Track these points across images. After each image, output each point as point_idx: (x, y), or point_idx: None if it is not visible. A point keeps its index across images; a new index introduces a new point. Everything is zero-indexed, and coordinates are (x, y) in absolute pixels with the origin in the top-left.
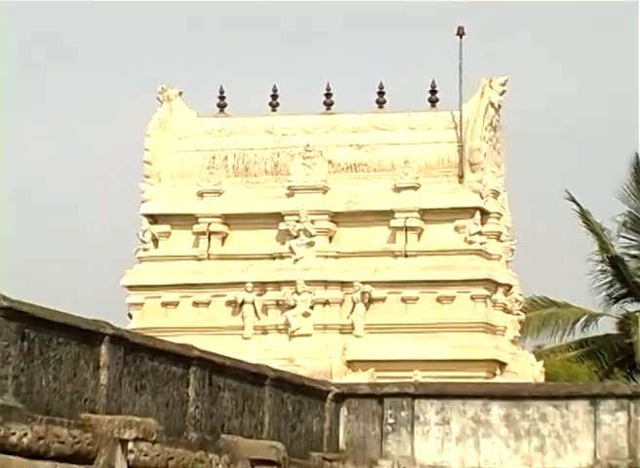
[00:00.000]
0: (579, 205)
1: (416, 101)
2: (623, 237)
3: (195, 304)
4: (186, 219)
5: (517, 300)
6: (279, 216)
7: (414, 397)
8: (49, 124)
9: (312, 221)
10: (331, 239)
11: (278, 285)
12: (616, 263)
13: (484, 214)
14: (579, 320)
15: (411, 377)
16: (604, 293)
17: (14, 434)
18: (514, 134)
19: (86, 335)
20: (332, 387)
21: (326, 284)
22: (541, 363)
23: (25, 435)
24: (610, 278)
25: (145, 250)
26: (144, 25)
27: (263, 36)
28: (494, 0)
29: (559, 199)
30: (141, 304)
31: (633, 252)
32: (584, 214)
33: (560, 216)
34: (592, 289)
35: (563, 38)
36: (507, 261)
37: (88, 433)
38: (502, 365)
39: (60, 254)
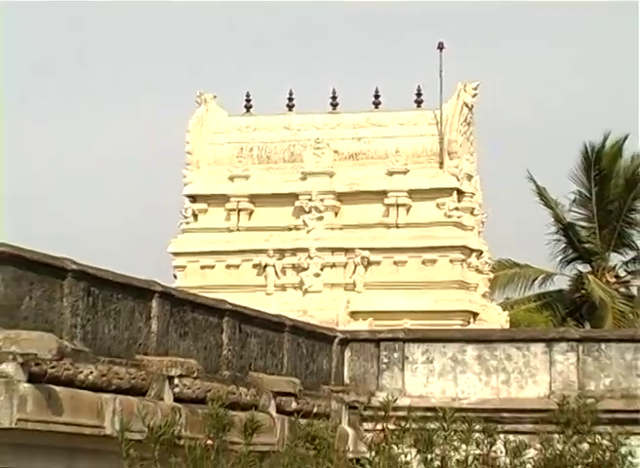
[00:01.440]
0: (536, 184)
1: (404, 103)
2: (573, 211)
3: (227, 267)
4: (220, 199)
5: (487, 263)
6: (294, 196)
7: (404, 341)
8: (110, 122)
9: (321, 200)
10: (336, 214)
11: (294, 251)
12: (567, 232)
13: (460, 193)
14: (537, 278)
15: (401, 325)
16: (559, 257)
17: (82, 372)
18: (486, 127)
19: (139, 292)
20: (338, 333)
21: (332, 250)
22: (507, 313)
23: (91, 373)
24: (563, 244)
25: (187, 223)
26: (181, 34)
27: (281, 45)
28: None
29: (522, 180)
30: (184, 267)
31: (582, 223)
32: (541, 192)
33: (522, 194)
34: (549, 253)
35: (563, 38)
36: (479, 231)
37: (141, 371)
38: (475, 314)
39: (119, 229)
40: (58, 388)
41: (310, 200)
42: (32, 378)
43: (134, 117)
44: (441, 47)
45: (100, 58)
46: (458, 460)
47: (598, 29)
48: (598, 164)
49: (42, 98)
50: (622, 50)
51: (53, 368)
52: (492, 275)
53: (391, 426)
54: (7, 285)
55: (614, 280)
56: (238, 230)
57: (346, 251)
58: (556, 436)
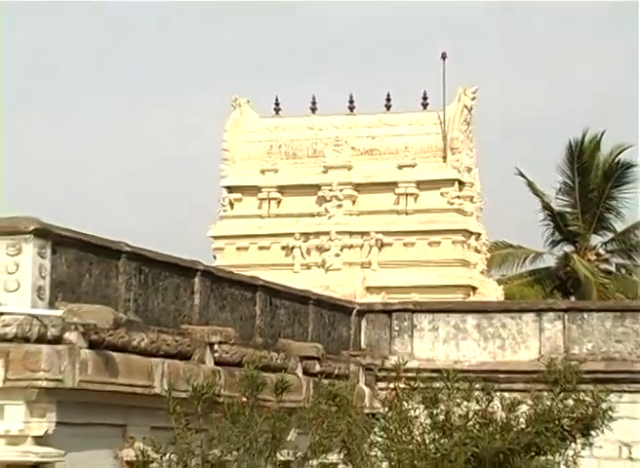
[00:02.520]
0: (525, 177)
1: (412, 105)
2: (559, 199)
3: (259, 248)
4: (253, 190)
5: (484, 244)
6: (317, 187)
7: (412, 312)
8: (151, 122)
9: (340, 190)
10: (353, 202)
11: (317, 234)
12: (554, 217)
13: (461, 183)
14: (528, 257)
15: (410, 298)
16: (547, 238)
17: (134, 340)
18: (485, 125)
19: (184, 270)
20: (355, 305)
21: (350, 234)
22: (502, 287)
23: (143, 340)
24: (551, 228)
25: (224, 211)
26: (214, 41)
27: (304, 54)
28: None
29: (515, 172)
30: (222, 249)
31: (566, 209)
32: (530, 184)
33: (515, 184)
34: (539, 235)
35: (562, 37)
36: (478, 217)
37: (186, 338)
38: (474, 289)
39: (166, 216)
40: (114, 354)
41: (331, 190)
42: (92, 345)
43: (174, 116)
44: (444, 56)
45: (136, 61)
46: (460, 415)
47: (598, 29)
48: (580, 157)
49: (86, 101)
50: (622, 50)
51: (110, 336)
52: (489, 255)
53: (402, 385)
54: (70, 265)
55: (595, 258)
56: (268, 217)
57: (362, 234)
58: (545, 394)
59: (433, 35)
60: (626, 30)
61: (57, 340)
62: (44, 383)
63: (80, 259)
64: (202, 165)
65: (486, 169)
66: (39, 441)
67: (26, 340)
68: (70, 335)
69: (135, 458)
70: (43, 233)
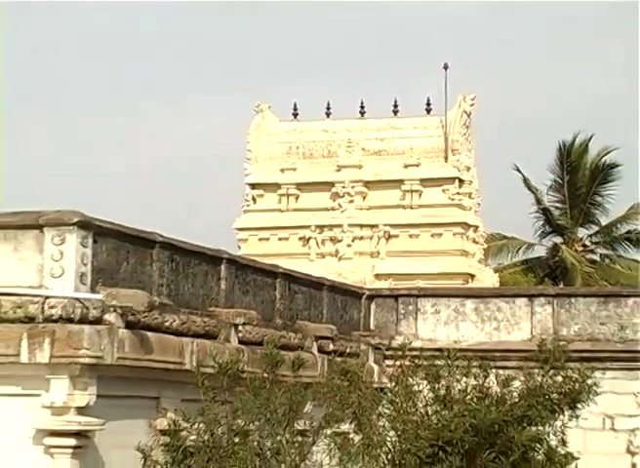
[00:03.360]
0: (522, 174)
1: (417, 110)
2: (550, 195)
3: (279, 239)
4: (273, 186)
5: (482, 236)
6: (331, 184)
7: (417, 296)
8: (179, 123)
9: (352, 187)
10: (364, 198)
11: (331, 227)
12: (545, 212)
13: (461, 181)
14: (521, 247)
15: (415, 284)
16: (538, 231)
17: (167, 321)
18: (485, 127)
19: (211, 259)
20: (365, 291)
21: (361, 226)
22: (497, 275)
23: (174, 321)
24: (542, 221)
25: (248, 206)
26: (240, 54)
27: (320, 61)
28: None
29: (509, 170)
30: (246, 239)
31: (556, 204)
32: (525, 180)
33: (509, 182)
34: (531, 227)
35: (562, 38)
36: (476, 211)
37: (213, 319)
38: (472, 276)
39: (196, 211)
40: (148, 333)
41: (343, 187)
42: (129, 325)
43: (202, 118)
44: (446, 67)
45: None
46: (459, 390)
47: (598, 29)
48: (569, 158)
49: (102, 101)
50: (622, 50)
51: (144, 317)
52: (485, 245)
53: (407, 363)
54: (109, 253)
55: (581, 249)
56: (287, 211)
57: (372, 226)
58: (536, 370)
59: (437, 41)
60: (626, 30)
61: (97, 321)
62: (86, 360)
63: (118, 248)
64: (233, 164)
65: (483, 167)
66: (81, 411)
67: (70, 321)
68: (109, 317)
69: (167, 427)
70: (85, 225)
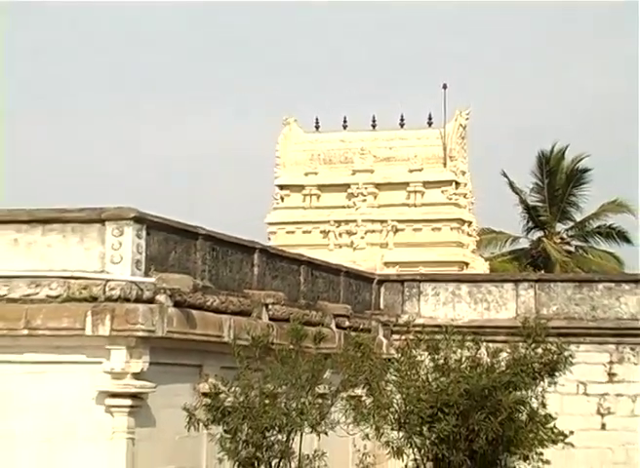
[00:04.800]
0: (508, 178)
1: (420, 124)
2: (532, 195)
3: (303, 232)
4: (299, 187)
5: (474, 230)
6: (347, 186)
7: (419, 281)
8: (213, 131)
9: (365, 188)
10: (375, 197)
11: (347, 222)
12: (528, 210)
13: (457, 183)
14: (508, 240)
15: (418, 271)
16: (523, 226)
17: (208, 301)
18: (476, 137)
19: (246, 248)
20: (376, 276)
21: (372, 221)
22: (488, 263)
23: (215, 301)
24: (526, 218)
25: (277, 204)
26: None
27: (337, 79)
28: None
29: (497, 175)
30: (275, 232)
31: (538, 203)
32: (511, 183)
33: (498, 184)
34: (516, 223)
35: (562, 38)
36: (470, 209)
37: (247, 300)
38: (466, 264)
39: (233, 208)
40: (193, 311)
41: (358, 188)
42: (176, 305)
43: (237, 127)
44: (445, 87)
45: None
46: (455, 360)
47: (598, 29)
48: (548, 164)
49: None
50: (622, 50)
51: (190, 298)
52: (478, 238)
53: (411, 337)
54: (160, 244)
55: (559, 241)
56: (310, 208)
57: (381, 222)
58: (520, 344)
59: (438, 63)
60: (627, 30)
61: (150, 301)
62: (140, 333)
63: (167, 239)
64: (264, 168)
65: (477, 172)
66: (136, 376)
67: (127, 300)
68: (160, 297)
69: (208, 390)
70: (140, 219)
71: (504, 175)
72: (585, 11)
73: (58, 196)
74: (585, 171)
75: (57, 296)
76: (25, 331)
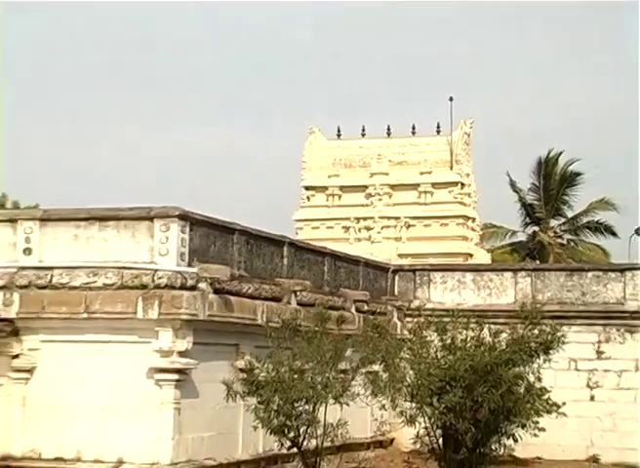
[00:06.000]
0: (510, 178)
1: (430, 132)
2: (530, 194)
3: (327, 228)
4: (322, 188)
5: (478, 225)
6: (365, 187)
7: (429, 270)
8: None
9: (381, 189)
10: (390, 197)
11: (365, 219)
12: (526, 207)
13: (462, 184)
14: (508, 234)
15: (427, 261)
16: (521, 221)
17: (244, 288)
18: (482, 142)
19: (276, 242)
20: (391, 266)
21: (388, 218)
22: (490, 255)
23: (249, 288)
24: (524, 214)
25: (303, 203)
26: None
27: (356, 90)
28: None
29: (499, 175)
30: (302, 228)
31: (535, 202)
32: (512, 183)
33: (499, 184)
34: (515, 219)
35: (562, 38)
36: (473, 207)
37: (278, 287)
38: (471, 255)
39: (264, 207)
40: (230, 297)
41: (375, 189)
42: (216, 291)
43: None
44: (451, 99)
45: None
46: (461, 340)
47: (598, 29)
48: (544, 168)
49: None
50: (622, 51)
51: (227, 285)
52: (481, 232)
53: (422, 320)
54: (201, 238)
55: (553, 235)
56: (332, 207)
57: (396, 218)
58: (519, 325)
59: (446, 76)
60: (626, 30)
61: (193, 288)
62: (184, 316)
63: (208, 234)
64: (293, 171)
65: (480, 174)
66: (181, 354)
67: (173, 288)
68: (202, 285)
69: (244, 366)
70: (184, 217)
71: (508, 176)
72: (586, 11)
73: (269, 179)
74: (577, 174)
75: (112, 284)
76: (85, 315)
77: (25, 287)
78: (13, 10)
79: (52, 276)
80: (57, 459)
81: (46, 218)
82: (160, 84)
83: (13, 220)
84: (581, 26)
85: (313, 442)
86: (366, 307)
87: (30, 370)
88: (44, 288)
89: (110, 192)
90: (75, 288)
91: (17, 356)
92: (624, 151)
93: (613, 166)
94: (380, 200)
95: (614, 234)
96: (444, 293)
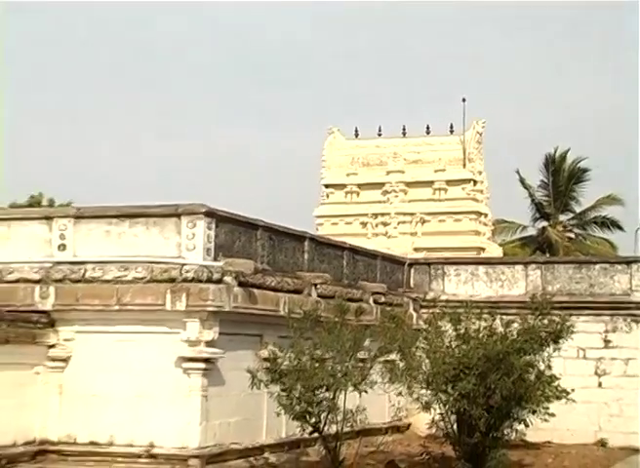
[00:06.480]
0: (520, 176)
1: (444, 132)
2: (539, 190)
3: (346, 223)
4: (341, 186)
5: (490, 220)
6: (382, 184)
7: (443, 264)
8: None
9: (397, 186)
10: (405, 194)
11: (382, 214)
12: (535, 203)
13: (475, 182)
14: (518, 228)
15: (442, 255)
16: (531, 216)
17: (267, 281)
18: (492, 141)
19: (298, 237)
20: (407, 259)
21: (404, 214)
22: (501, 248)
23: (272, 281)
24: (534, 210)
25: (323, 200)
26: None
27: (373, 94)
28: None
29: (509, 173)
30: (322, 224)
31: (544, 197)
32: (522, 180)
33: (510, 181)
34: (525, 214)
35: (563, 38)
36: (486, 203)
37: (299, 280)
38: (483, 249)
39: (286, 204)
40: (254, 290)
41: (391, 186)
42: (240, 284)
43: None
44: (464, 100)
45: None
46: (474, 329)
47: (598, 30)
48: (553, 165)
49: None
50: (622, 52)
51: (251, 279)
52: (492, 227)
53: (437, 311)
54: (226, 234)
55: (561, 229)
56: (351, 203)
57: (411, 214)
58: (529, 316)
59: (457, 78)
60: (626, 30)
61: (218, 281)
62: (211, 308)
63: (233, 230)
64: (314, 170)
65: (491, 171)
66: (208, 344)
67: (200, 281)
68: (227, 278)
69: (268, 356)
70: (210, 214)
71: (518, 174)
72: (586, 11)
73: (290, 177)
74: (584, 171)
75: (142, 278)
76: (117, 307)
77: (60, 280)
78: (13, 10)
79: (85, 270)
80: (91, 444)
81: (79, 216)
82: (160, 84)
83: (48, 218)
84: (581, 26)
85: (334, 427)
86: (383, 299)
87: (66, 360)
88: (78, 281)
89: (110, 192)
90: (107, 281)
91: (53, 346)
92: (624, 151)
93: (613, 166)
94: (397, 197)
95: (620, 228)
96: (458, 286)
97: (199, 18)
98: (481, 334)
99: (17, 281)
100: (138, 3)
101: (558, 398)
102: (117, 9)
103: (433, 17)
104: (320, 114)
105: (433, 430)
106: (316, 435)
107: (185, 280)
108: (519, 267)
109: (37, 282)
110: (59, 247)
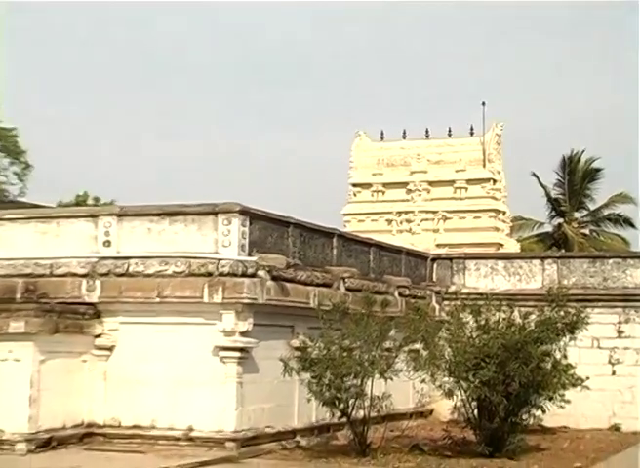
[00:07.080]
0: (537, 177)
1: (464, 134)
2: (555, 189)
3: (372, 220)
4: (368, 185)
5: (508, 217)
6: (406, 184)
7: (464, 259)
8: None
9: (420, 185)
10: (428, 192)
11: (406, 212)
12: (552, 201)
13: (494, 181)
14: (535, 225)
15: (463, 250)
16: (547, 213)
17: (298, 275)
18: (510, 142)
19: (327, 234)
20: (430, 255)
21: (427, 212)
22: (519, 244)
23: (303, 275)
24: (550, 208)
25: (351, 198)
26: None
27: (400, 99)
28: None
29: (526, 173)
30: (349, 221)
31: (560, 196)
32: (539, 180)
33: (527, 181)
34: (542, 212)
35: (562, 39)
36: (504, 201)
37: (328, 274)
38: (501, 245)
39: (316, 203)
40: (286, 283)
41: (414, 186)
42: (273, 278)
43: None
44: (483, 104)
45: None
46: (494, 321)
47: (598, 30)
48: (568, 165)
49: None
50: (622, 52)
51: (284, 273)
52: (511, 224)
53: (458, 303)
54: (259, 231)
55: (576, 226)
56: (377, 202)
57: (434, 212)
58: (546, 308)
59: (474, 81)
60: (626, 30)
61: (252, 275)
62: (246, 301)
63: (266, 227)
64: (342, 171)
65: (510, 171)
66: (243, 334)
67: (235, 275)
68: (261, 273)
69: (299, 345)
70: (244, 212)
71: (534, 175)
72: (586, 11)
73: (320, 177)
74: (598, 170)
75: (181, 272)
76: (158, 300)
77: (106, 274)
78: (13, 10)
79: (128, 265)
80: (134, 427)
81: (123, 214)
82: (160, 84)
83: (94, 216)
84: (581, 26)
85: (361, 412)
86: (407, 292)
87: (110, 348)
88: (122, 275)
89: (110, 192)
90: (149, 275)
91: (99, 336)
92: (625, 151)
93: (613, 165)
94: (420, 195)
95: (632, 225)
96: (478, 279)
97: (199, 18)
98: (500, 325)
99: (65, 275)
100: (138, 3)
101: (574, 385)
102: (117, 9)
103: (433, 17)
104: (320, 114)
105: (455, 416)
106: (344, 420)
107: (222, 274)
108: (536, 262)
109: (84, 276)
110: (104, 243)
